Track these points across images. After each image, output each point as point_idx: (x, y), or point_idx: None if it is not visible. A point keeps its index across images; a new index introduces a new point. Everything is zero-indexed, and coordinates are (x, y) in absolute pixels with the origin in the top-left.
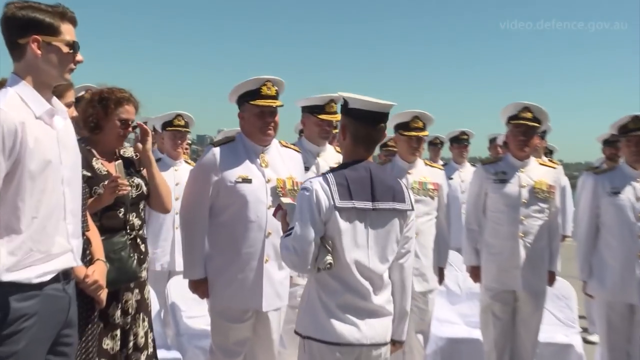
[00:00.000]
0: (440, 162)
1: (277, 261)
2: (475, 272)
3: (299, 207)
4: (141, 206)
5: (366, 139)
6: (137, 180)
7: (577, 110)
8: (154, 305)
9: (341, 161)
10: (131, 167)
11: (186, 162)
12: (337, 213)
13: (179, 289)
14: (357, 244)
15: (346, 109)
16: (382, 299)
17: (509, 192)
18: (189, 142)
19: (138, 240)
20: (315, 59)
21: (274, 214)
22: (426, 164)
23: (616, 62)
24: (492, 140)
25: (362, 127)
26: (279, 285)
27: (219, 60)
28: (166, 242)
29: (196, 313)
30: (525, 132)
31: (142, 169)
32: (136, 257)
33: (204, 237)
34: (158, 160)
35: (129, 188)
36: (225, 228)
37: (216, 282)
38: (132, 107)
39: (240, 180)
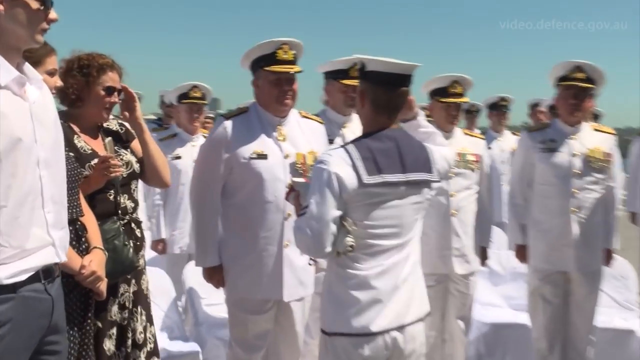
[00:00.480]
0: (477, 131)
1: None
2: (521, 252)
3: (315, 182)
4: (133, 186)
5: (388, 105)
6: (127, 156)
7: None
8: (170, 292)
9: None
10: (118, 142)
11: (204, 137)
12: (364, 190)
13: (197, 274)
14: (390, 222)
15: (364, 73)
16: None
17: (559, 162)
18: (211, 115)
19: (132, 224)
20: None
21: (287, 197)
22: (465, 133)
23: (616, 62)
24: (533, 106)
25: (383, 92)
26: (302, 272)
27: (234, 26)
28: (185, 223)
29: (216, 300)
30: (577, 94)
31: (129, 143)
32: (132, 244)
33: (216, 220)
34: (174, 135)
35: (123, 169)
36: (240, 210)
37: (231, 269)
38: (116, 74)
39: (255, 156)
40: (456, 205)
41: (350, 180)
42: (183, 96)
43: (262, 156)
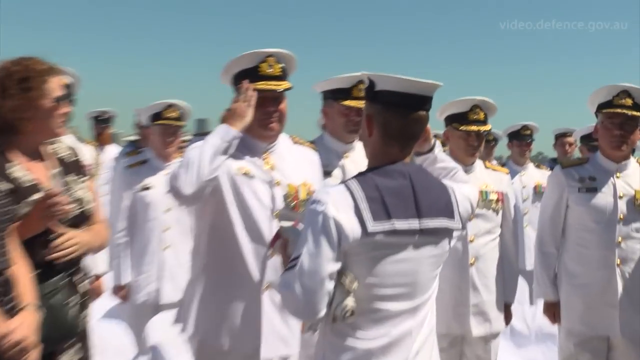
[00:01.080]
0: (494, 163)
1: None
2: (552, 310)
3: (307, 228)
4: (81, 229)
5: (401, 133)
6: (80, 192)
7: (578, 110)
8: (132, 351)
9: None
10: (69, 171)
11: None
12: (369, 240)
13: (165, 328)
14: (400, 280)
15: (372, 93)
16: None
17: (600, 205)
18: (187, 138)
19: (77, 278)
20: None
21: (271, 245)
22: (487, 167)
23: (616, 62)
24: (559, 137)
25: (395, 117)
26: (284, 326)
27: (222, 35)
28: (152, 267)
29: None
30: (624, 123)
31: (83, 174)
32: (75, 302)
33: None
34: (144, 162)
35: (71, 209)
36: (213, 235)
37: (197, 309)
38: (58, 81)
39: (239, 172)
40: (475, 253)
41: (352, 227)
42: (156, 116)
43: (247, 174)
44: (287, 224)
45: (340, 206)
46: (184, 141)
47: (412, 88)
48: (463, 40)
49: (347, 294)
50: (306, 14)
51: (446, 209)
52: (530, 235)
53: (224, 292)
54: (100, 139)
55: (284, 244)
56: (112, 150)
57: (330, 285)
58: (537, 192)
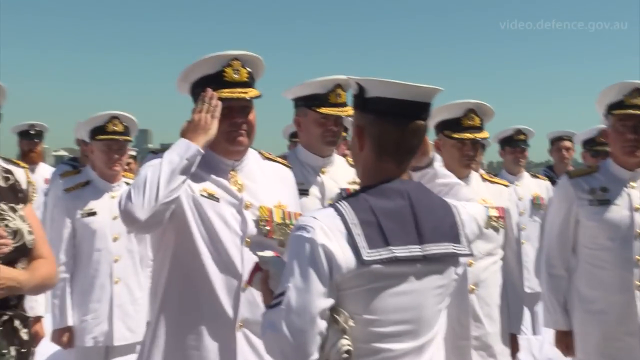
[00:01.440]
0: (481, 172)
1: (258, 330)
2: (565, 340)
3: (293, 259)
4: (20, 266)
5: (398, 146)
6: (16, 222)
7: (577, 110)
8: None
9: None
10: (1, 198)
11: (127, 184)
12: (365, 271)
13: None
14: (400, 316)
15: (362, 101)
16: None
17: (614, 219)
18: (133, 154)
19: (16, 322)
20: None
21: (249, 280)
22: (484, 179)
23: (616, 62)
24: (555, 141)
25: (391, 128)
26: None
27: (183, 39)
28: (100, 305)
29: None
30: (637, 126)
31: (19, 201)
32: (13, 352)
33: None
34: (86, 183)
35: (9, 243)
36: (172, 267)
37: (154, 354)
38: None
39: (205, 194)
40: (475, 278)
41: (345, 256)
42: (98, 130)
43: (213, 197)
44: (267, 253)
45: (331, 232)
46: (131, 157)
47: (409, 94)
48: (463, 40)
49: (342, 333)
50: (273, 11)
51: (451, 232)
52: (528, 253)
53: (191, 332)
54: (30, 157)
55: (265, 277)
56: (44, 170)
57: (322, 324)
58: (535, 204)
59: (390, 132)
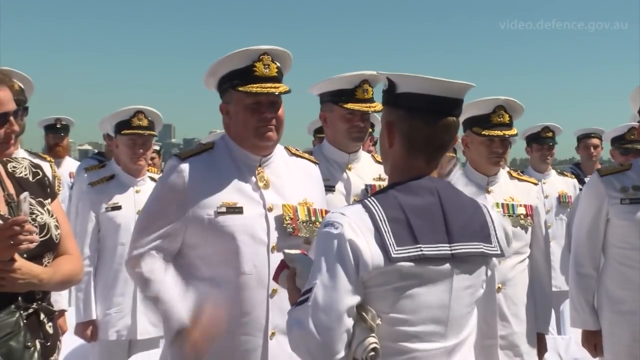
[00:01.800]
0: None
1: None
2: (593, 341)
3: (320, 255)
4: (46, 260)
5: (429, 143)
6: (44, 217)
7: (578, 110)
8: None
9: (387, 180)
10: (29, 193)
11: (152, 179)
12: (393, 268)
13: None
14: (429, 316)
15: (394, 97)
16: None
17: None
18: (156, 148)
19: (41, 316)
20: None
21: (275, 277)
22: (512, 176)
23: (616, 62)
24: (582, 139)
25: (423, 125)
26: None
27: (210, 43)
28: (124, 299)
29: None
30: None
31: (47, 196)
32: (38, 345)
33: (166, 278)
34: (111, 177)
35: (37, 238)
36: (203, 288)
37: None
38: (7, 90)
39: (224, 209)
40: (502, 277)
41: (373, 254)
42: (123, 125)
43: (236, 209)
44: (293, 251)
45: (358, 229)
46: (155, 152)
47: (441, 90)
48: (463, 40)
49: (369, 332)
50: (292, 13)
51: (481, 231)
52: (555, 252)
53: (222, 344)
54: (55, 151)
55: (292, 275)
56: (70, 164)
57: (349, 322)
58: (562, 202)
59: (421, 128)
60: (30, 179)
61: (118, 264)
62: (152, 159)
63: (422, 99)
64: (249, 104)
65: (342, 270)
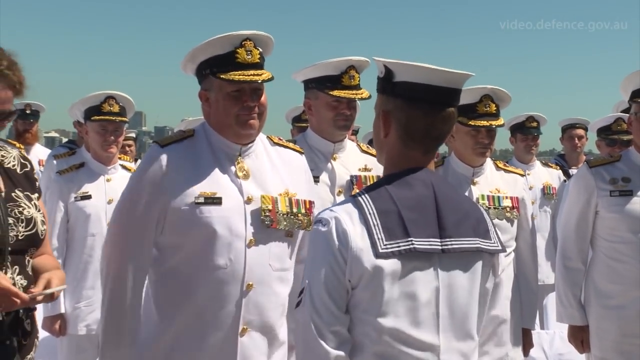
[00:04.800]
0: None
1: (265, 333)
2: (580, 336)
3: (310, 254)
4: (29, 255)
5: (426, 134)
6: (30, 210)
7: (578, 111)
8: None
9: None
10: (15, 185)
11: (123, 167)
12: (382, 263)
13: None
14: (418, 315)
15: (390, 85)
16: None
17: (635, 211)
18: (132, 136)
19: (20, 312)
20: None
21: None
22: (499, 167)
23: (616, 62)
24: (567, 129)
25: (421, 115)
26: None
27: (183, 27)
28: (94, 291)
29: None
30: None
31: (34, 190)
32: (14, 342)
33: (139, 297)
34: (80, 165)
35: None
36: (176, 280)
37: (150, 348)
38: (7, 88)
39: (202, 200)
40: None
41: (360, 250)
42: (93, 111)
43: (214, 200)
44: None
45: (347, 226)
46: (127, 138)
47: (441, 79)
48: (463, 40)
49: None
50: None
51: (478, 227)
52: (539, 244)
53: (194, 340)
54: (25, 137)
55: None
56: (39, 152)
57: (343, 318)
58: (546, 194)
59: (420, 118)
60: (18, 170)
61: (88, 255)
62: (128, 146)
63: (422, 89)
64: (230, 91)
65: (329, 268)
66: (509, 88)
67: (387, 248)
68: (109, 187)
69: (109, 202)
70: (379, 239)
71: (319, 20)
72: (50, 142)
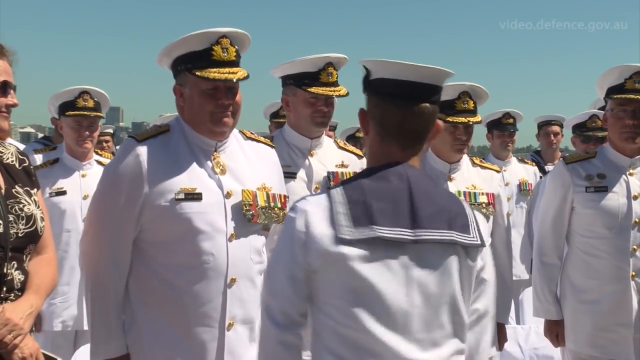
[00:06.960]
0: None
1: (247, 326)
2: (555, 330)
3: (280, 237)
4: (28, 251)
5: (399, 128)
6: (30, 207)
7: (577, 111)
8: None
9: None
10: (15, 181)
11: (99, 162)
12: (344, 250)
13: None
14: (384, 302)
15: (368, 83)
16: None
17: (611, 207)
18: (110, 132)
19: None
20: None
21: None
22: (475, 164)
23: (616, 62)
24: (543, 126)
25: (392, 110)
26: None
27: (162, 23)
28: (70, 287)
29: None
30: (637, 112)
31: (33, 186)
32: None
33: (122, 290)
34: (55, 161)
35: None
36: (159, 276)
37: (133, 343)
38: (7, 63)
39: (182, 196)
40: None
41: (324, 237)
42: (67, 106)
43: (194, 196)
44: None
45: (315, 211)
46: (103, 134)
47: (412, 75)
48: (463, 39)
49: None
50: None
51: (456, 220)
52: (515, 240)
53: (178, 336)
54: None
55: None
56: None
57: (298, 304)
58: (522, 190)
59: (393, 113)
60: (17, 166)
61: (63, 251)
62: (105, 142)
63: (393, 84)
64: (205, 89)
65: (289, 252)
66: (509, 88)
67: (350, 235)
68: (84, 183)
69: (85, 197)
70: (344, 225)
71: (308, 17)
72: (25, 138)
